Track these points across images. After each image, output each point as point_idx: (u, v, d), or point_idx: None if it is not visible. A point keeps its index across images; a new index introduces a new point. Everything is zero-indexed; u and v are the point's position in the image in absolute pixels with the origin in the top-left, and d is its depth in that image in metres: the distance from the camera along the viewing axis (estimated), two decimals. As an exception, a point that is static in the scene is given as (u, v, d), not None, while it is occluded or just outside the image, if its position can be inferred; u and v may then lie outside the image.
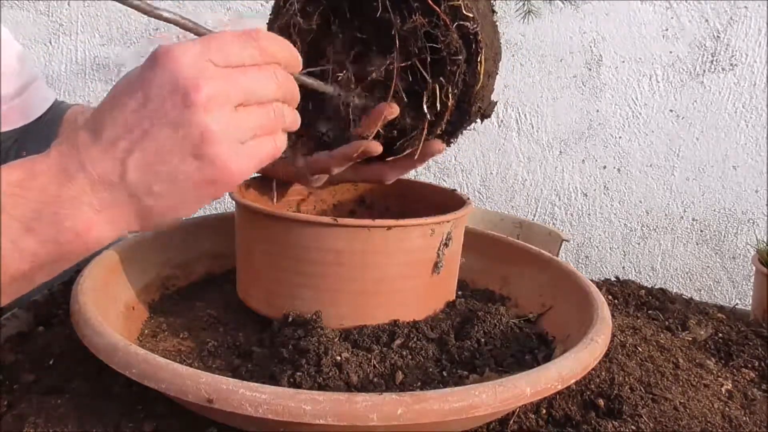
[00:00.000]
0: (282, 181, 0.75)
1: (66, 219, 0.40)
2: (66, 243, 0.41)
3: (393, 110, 0.59)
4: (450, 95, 0.59)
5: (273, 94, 0.46)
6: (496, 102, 0.64)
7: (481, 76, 0.59)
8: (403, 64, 0.58)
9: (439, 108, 0.59)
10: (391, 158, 0.63)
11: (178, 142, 0.41)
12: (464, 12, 0.56)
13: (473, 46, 0.57)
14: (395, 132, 0.62)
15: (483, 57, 0.58)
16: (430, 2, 0.56)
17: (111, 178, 0.41)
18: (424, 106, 0.59)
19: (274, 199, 0.75)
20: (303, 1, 0.59)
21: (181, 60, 0.41)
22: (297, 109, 0.64)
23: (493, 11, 0.62)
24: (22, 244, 0.40)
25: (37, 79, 0.79)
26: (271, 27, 0.63)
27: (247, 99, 0.44)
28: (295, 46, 0.60)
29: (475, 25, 0.56)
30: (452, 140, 0.64)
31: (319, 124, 0.63)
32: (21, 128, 0.77)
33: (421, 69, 0.58)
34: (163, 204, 0.43)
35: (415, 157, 0.62)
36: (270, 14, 0.63)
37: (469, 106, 0.60)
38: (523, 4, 0.70)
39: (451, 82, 0.58)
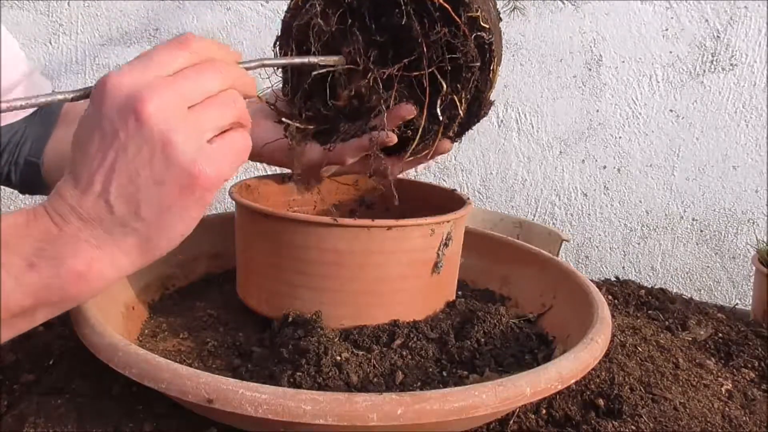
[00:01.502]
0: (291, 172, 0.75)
1: (67, 256, 0.41)
2: (68, 279, 0.41)
3: (411, 111, 0.62)
4: (463, 100, 0.62)
5: (220, 84, 0.45)
6: (494, 101, 0.67)
7: (494, 83, 0.62)
8: (420, 72, 0.60)
9: (452, 111, 0.62)
10: (411, 158, 0.66)
11: (145, 159, 0.41)
12: (481, 23, 0.59)
13: (487, 55, 0.60)
14: (409, 132, 0.64)
15: (495, 65, 0.61)
16: (453, 14, 0.58)
17: (99, 214, 0.42)
18: (438, 110, 0.62)
19: (297, 185, 0.76)
20: (324, 3, 0.61)
21: (118, 83, 0.41)
22: (307, 101, 0.64)
23: (500, 19, 0.65)
24: (25, 280, 0.40)
25: (36, 70, 0.80)
26: (288, 26, 0.63)
27: (195, 97, 0.43)
28: (312, 46, 0.62)
29: (490, 36, 0.59)
30: (458, 140, 0.67)
31: (329, 115, 0.64)
32: (22, 120, 0.77)
33: (439, 76, 0.60)
34: (156, 227, 0.43)
35: (429, 156, 0.66)
36: (286, 12, 0.64)
37: (478, 109, 0.64)
38: (508, 2, 0.72)
39: (465, 88, 0.61)
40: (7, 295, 0.40)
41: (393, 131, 0.63)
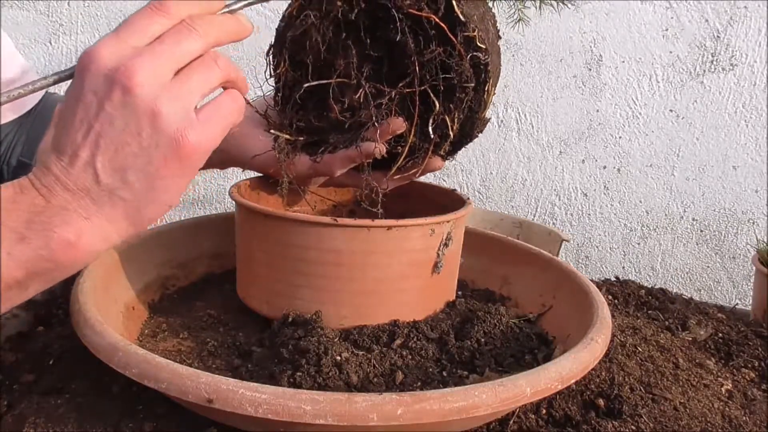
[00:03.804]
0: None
1: (56, 227, 0.41)
2: (58, 251, 0.42)
3: (401, 125, 0.61)
4: (456, 119, 0.61)
5: (201, 45, 0.45)
6: (489, 119, 0.67)
7: (488, 104, 0.61)
8: (412, 90, 0.60)
9: (443, 130, 0.61)
10: (398, 176, 0.66)
11: (132, 130, 0.42)
12: (478, 44, 0.58)
13: (482, 75, 0.60)
14: (399, 147, 0.63)
15: (490, 85, 0.60)
16: (449, 33, 0.57)
17: (86, 184, 0.42)
18: (429, 128, 0.61)
19: (285, 197, 0.75)
20: (319, 15, 0.60)
21: (99, 55, 0.42)
22: (298, 111, 0.64)
23: (499, 37, 0.64)
24: (16, 252, 0.41)
25: (29, 70, 0.80)
26: (282, 36, 0.63)
27: (179, 62, 0.44)
28: (306, 59, 0.61)
29: (486, 57, 0.59)
30: (450, 158, 0.67)
31: (320, 127, 0.64)
32: (15, 121, 0.77)
33: (432, 95, 0.60)
34: (143, 195, 0.43)
35: (418, 174, 0.66)
36: (280, 22, 0.63)
37: (471, 129, 0.64)
38: (514, 12, 0.71)
39: (458, 108, 0.60)
40: (1, 268, 0.40)
41: (383, 145, 0.62)
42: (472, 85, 0.59)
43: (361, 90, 0.60)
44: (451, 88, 0.59)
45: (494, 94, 0.63)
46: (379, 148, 0.62)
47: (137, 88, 0.41)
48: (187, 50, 0.44)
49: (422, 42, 0.58)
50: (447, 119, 0.61)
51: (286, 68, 0.64)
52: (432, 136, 0.62)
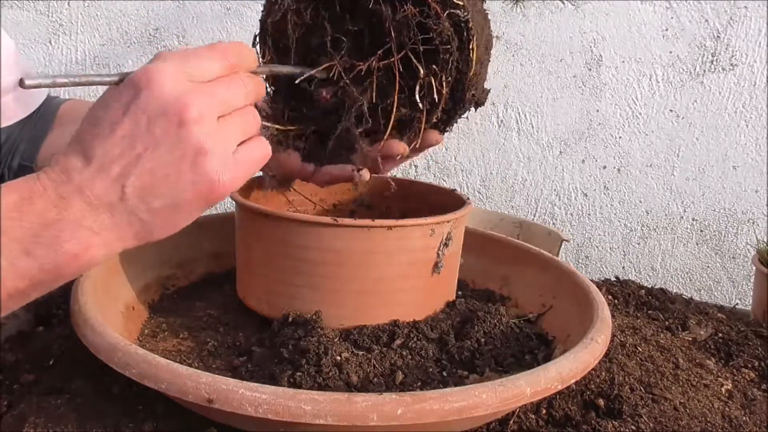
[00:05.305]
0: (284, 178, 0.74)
1: (65, 242, 0.41)
2: (64, 265, 0.42)
3: (403, 148, 0.61)
4: (444, 83, 0.59)
5: (245, 100, 0.48)
6: (490, 90, 0.65)
7: (474, 63, 0.59)
8: (392, 59, 0.59)
9: (433, 97, 0.60)
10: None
11: (175, 160, 0.43)
12: (454, 0, 0.57)
13: (465, 33, 0.58)
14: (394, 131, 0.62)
15: (475, 44, 0.58)
16: None
17: (110, 200, 0.42)
18: (416, 96, 0.60)
19: (274, 190, 0.75)
20: None
21: (162, 81, 0.43)
22: (289, 100, 0.65)
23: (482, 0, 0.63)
24: (20, 265, 0.40)
25: (31, 72, 0.80)
26: (263, 23, 0.63)
27: (225, 109, 0.46)
28: (288, 41, 0.61)
29: (465, 13, 0.57)
30: (447, 129, 0.65)
31: (312, 115, 0.64)
32: (17, 124, 0.77)
33: (414, 59, 0.58)
34: (161, 220, 0.45)
35: (416, 147, 0.64)
36: (262, 11, 0.63)
37: (463, 93, 0.61)
38: None
39: (444, 70, 0.59)
40: (4, 280, 0.40)
41: (377, 125, 0.61)
42: (456, 44, 0.58)
43: (336, 68, 0.60)
44: (434, 51, 0.58)
45: (488, 59, 0.62)
46: (365, 176, 0.62)
47: (193, 125, 0.43)
48: (235, 101, 0.47)
49: (398, 7, 0.57)
50: (433, 82, 0.59)
51: (271, 56, 0.63)
52: (420, 105, 0.60)
